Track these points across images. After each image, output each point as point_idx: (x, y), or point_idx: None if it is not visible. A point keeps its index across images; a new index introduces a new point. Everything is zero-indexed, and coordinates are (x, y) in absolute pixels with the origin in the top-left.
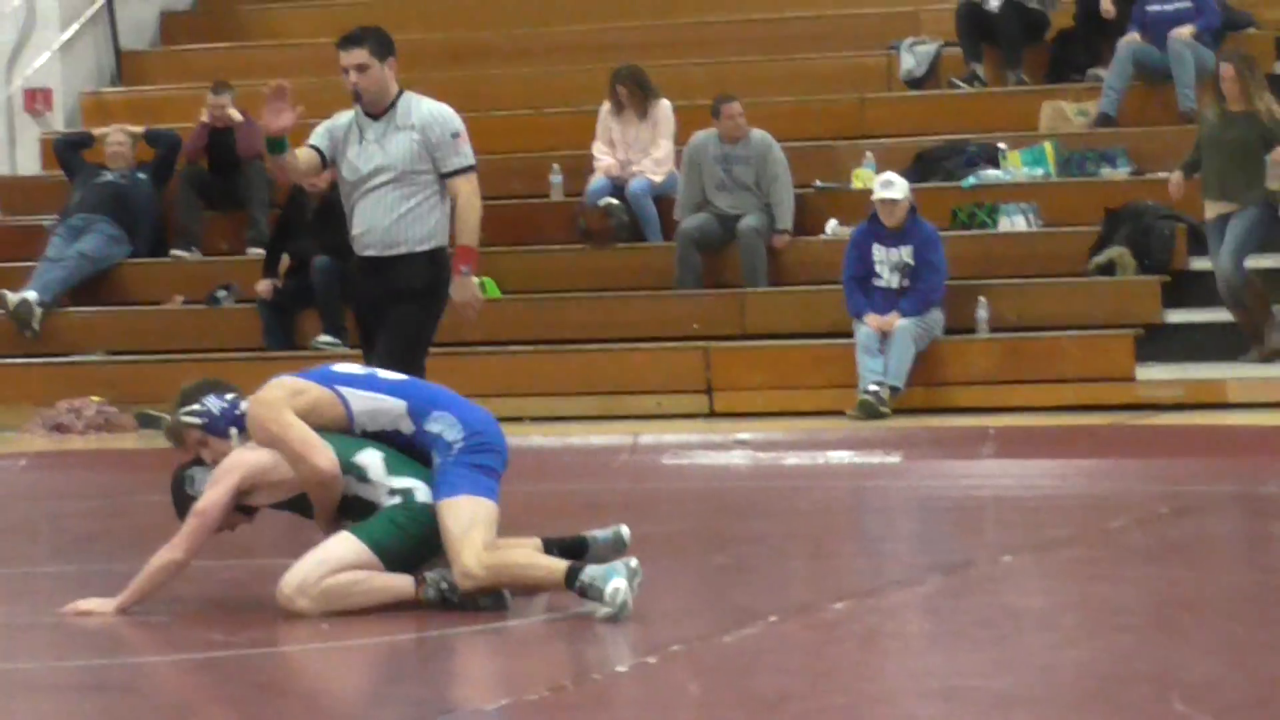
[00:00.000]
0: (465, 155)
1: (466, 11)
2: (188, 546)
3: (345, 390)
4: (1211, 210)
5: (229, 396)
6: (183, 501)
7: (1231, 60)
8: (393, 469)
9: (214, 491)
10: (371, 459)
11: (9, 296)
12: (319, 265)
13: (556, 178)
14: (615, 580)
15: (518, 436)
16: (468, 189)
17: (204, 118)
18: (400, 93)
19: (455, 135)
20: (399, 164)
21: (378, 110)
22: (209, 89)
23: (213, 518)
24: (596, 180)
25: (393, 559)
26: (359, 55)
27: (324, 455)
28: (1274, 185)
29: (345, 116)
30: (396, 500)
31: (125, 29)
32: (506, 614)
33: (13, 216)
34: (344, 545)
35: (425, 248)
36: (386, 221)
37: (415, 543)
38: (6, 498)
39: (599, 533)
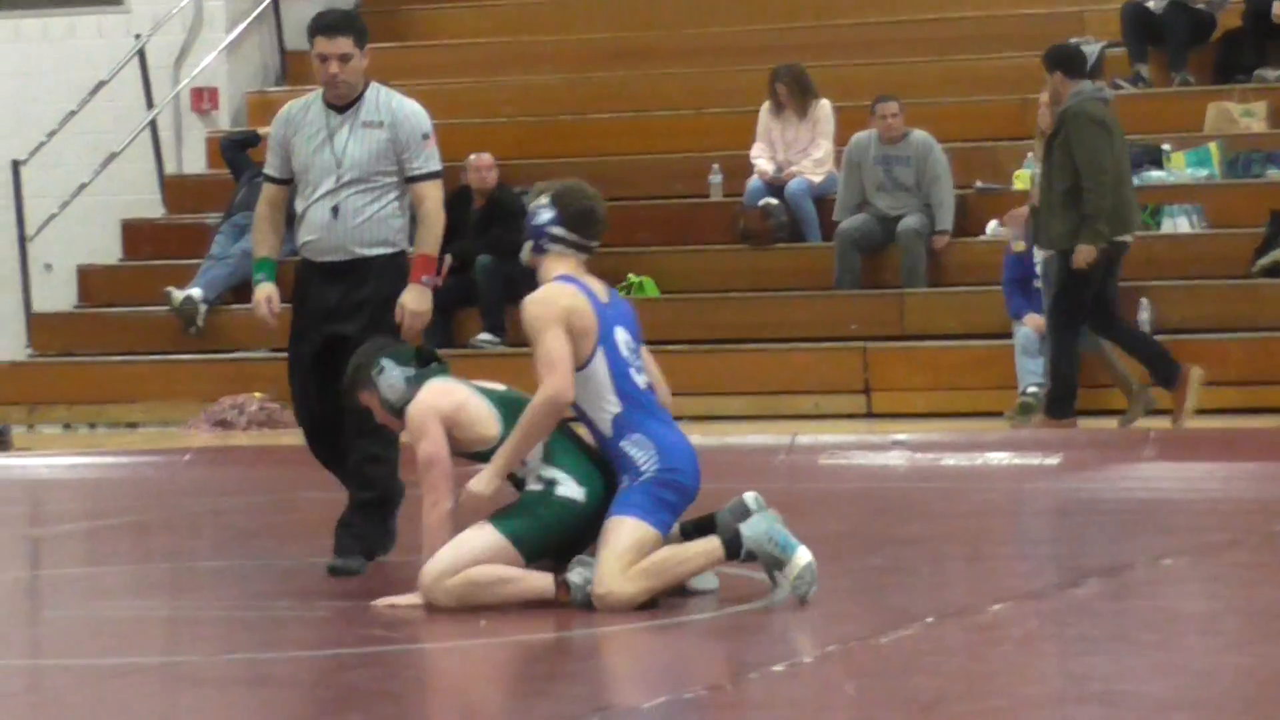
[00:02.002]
0: (434, 159)
1: (630, 12)
2: (447, 491)
3: (603, 350)
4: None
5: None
6: (361, 381)
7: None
8: (549, 456)
9: (429, 439)
10: None
11: (174, 294)
12: (481, 264)
13: (716, 178)
14: (800, 551)
15: None
16: (436, 195)
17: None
18: (367, 84)
19: (425, 136)
20: (363, 163)
21: (344, 103)
22: None
23: (444, 459)
24: (756, 180)
25: (530, 550)
26: (344, 44)
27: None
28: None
29: (298, 106)
30: (539, 488)
31: (290, 29)
32: (659, 611)
33: (178, 215)
34: (483, 537)
35: (387, 252)
36: (350, 224)
37: (554, 534)
38: (171, 493)
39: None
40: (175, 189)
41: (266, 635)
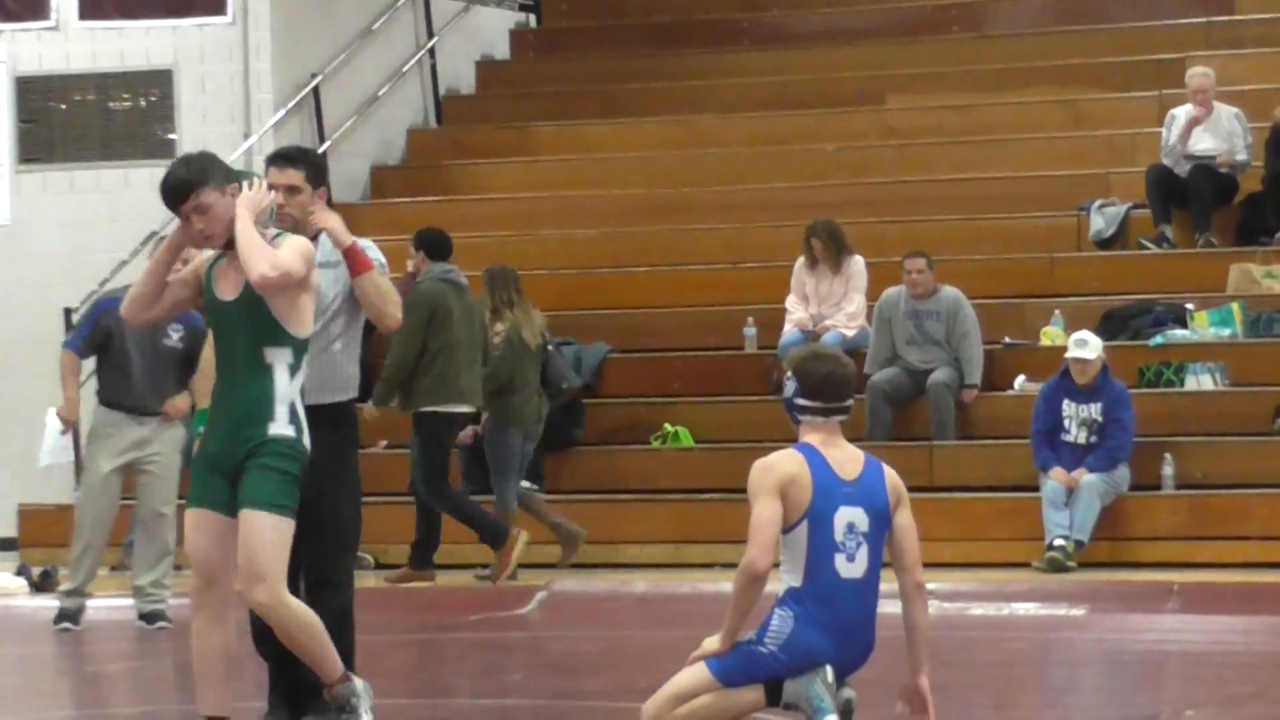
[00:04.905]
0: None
1: (667, 169)
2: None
3: (807, 525)
4: None
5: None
6: (222, 177)
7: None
8: (302, 396)
9: (287, 262)
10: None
11: None
12: None
13: (751, 330)
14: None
15: (709, 584)
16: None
17: (410, 268)
18: (318, 231)
19: (382, 266)
20: (321, 299)
21: None
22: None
23: (289, 276)
24: (790, 333)
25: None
26: (293, 176)
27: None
28: None
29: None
30: (291, 433)
31: (337, 183)
32: None
33: None
34: (272, 530)
35: (340, 400)
36: (334, 363)
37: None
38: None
39: None
40: None
41: None
